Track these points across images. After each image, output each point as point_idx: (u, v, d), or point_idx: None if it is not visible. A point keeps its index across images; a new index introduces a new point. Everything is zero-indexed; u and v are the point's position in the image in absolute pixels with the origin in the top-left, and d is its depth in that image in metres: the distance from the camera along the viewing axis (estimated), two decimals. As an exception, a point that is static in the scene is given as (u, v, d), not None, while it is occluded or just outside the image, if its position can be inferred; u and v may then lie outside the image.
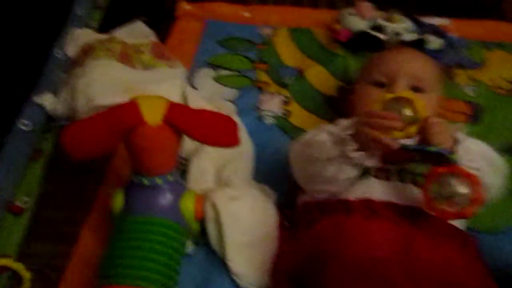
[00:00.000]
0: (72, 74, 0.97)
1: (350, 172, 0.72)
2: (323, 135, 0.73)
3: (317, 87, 1.05)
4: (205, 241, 0.80)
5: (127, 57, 1.02)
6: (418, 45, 1.09)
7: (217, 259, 0.79)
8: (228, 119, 0.77)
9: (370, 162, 0.71)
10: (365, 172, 0.74)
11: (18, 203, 0.86)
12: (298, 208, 0.82)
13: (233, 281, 0.77)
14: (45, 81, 1.00)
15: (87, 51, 1.01)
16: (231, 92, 1.04)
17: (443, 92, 0.91)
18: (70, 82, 0.96)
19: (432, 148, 0.68)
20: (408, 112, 0.70)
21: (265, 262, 0.76)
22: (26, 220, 0.85)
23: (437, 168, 0.67)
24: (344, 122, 0.74)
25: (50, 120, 0.96)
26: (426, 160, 0.70)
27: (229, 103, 1.00)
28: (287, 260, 0.74)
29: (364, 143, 0.69)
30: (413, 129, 0.69)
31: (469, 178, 0.65)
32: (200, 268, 0.78)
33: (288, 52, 1.13)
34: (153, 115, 0.71)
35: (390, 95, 0.73)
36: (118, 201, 0.78)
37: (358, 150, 0.69)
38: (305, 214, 0.78)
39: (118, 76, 0.93)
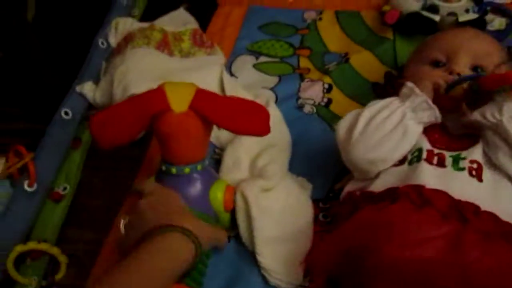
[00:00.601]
0: (111, 63, 0.98)
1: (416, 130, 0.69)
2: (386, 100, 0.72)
3: (362, 73, 0.98)
4: (235, 234, 0.78)
5: (166, 45, 1.02)
6: (478, 25, 0.99)
7: (247, 253, 0.76)
8: (258, 106, 0.73)
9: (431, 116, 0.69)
10: (418, 156, 0.68)
11: (58, 190, 0.88)
12: (339, 200, 0.76)
13: (263, 276, 0.73)
14: (87, 71, 1.01)
15: (128, 40, 1.02)
16: (271, 80, 1.00)
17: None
18: (109, 71, 0.97)
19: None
20: None
21: (296, 258, 0.71)
22: (65, 207, 0.87)
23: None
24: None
25: (90, 109, 0.98)
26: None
27: (268, 91, 0.97)
28: (322, 256, 0.68)
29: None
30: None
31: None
32: (229, 262, 0.75)
33: (332, 37, 1.07)
34: (179, 102, 0.69)
35: None
36: None
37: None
38: (346, 204, 0.72)
39: (155, 64, 0.92)
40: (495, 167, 0.67)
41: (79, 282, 0.78)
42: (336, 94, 0.96)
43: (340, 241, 0.65)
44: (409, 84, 0.72)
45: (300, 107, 0.95)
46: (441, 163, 0.67)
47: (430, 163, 0.67)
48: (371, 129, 0.70)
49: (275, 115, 0.90)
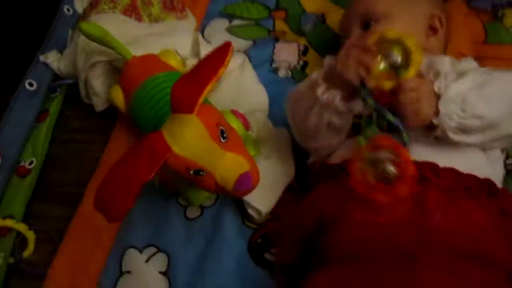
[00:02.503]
0: (76, 30, 0.93)
1: (334, 120, 0.62)
2: (303, 83, 0.65)
3: (339, 33, 0.94)
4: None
5: (134, 9, 0.96)
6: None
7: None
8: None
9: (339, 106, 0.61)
10: (370, 123, 0.64)
11: (24, 165, 0.85)
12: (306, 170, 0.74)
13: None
14: (52, 39, 0.97)
15: (93, 5, 0.96)
16: (245, 43, 0.96)
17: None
18: (74, 39, 0.92)
19: (390, 117, 0.57)
20: (397, 59, 0.56)
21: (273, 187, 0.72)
22: (32, 182, 0.84)
23: (380, 140, 0.55)
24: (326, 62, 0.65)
25: (55, 79, 0.94)
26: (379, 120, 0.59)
27: (241, 53, 0.92)
28: (292, 227, 0.67)
29: (333, 79, 0.60)
30: (388, 84, 0.57)
31: (405, 165, 0.53)
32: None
33: (310, -3, 1.02)
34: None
35: (390, 34, 0.58)
36: (118, 94, 0.77)
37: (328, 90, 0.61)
38: (310, 176, 0.70)
39: (121, 31, 0.87)
40: None
41: (48, 259, 0.76)
42: (312, 56, 0.92)
43: (305, 213, 0.64)
44: (327, 61, 0.67)
45: (275, 71, 0.91)
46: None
47: (383, 129, 0.62)
48: (296, 122, 0.69)
49: (251, 76, 0.87)
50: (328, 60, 0.66)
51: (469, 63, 0.69)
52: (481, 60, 0.73)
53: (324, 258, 0.58)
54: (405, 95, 0.56)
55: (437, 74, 0.60)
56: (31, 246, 0.78)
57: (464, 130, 0.58)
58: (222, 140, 0.56)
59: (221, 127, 0.56)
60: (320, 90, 0.62)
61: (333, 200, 0.60)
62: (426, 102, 0.57)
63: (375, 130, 0.58)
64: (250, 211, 0.71)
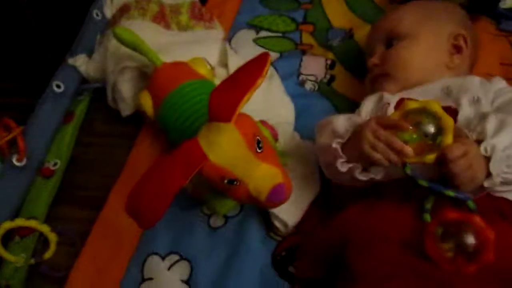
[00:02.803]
0: (105, 35, 0.94)
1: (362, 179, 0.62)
2: (326, 137, 0.66)
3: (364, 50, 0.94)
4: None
5: (163, 17, 0.97)
6: (489, 2, 0.94)
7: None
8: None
9: (365, 176, 0.61)
10: None
11: (48, 166, 0.85)
12: (332, 187, 0.74)
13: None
14: (81, 43, 0.97)
15: (123, 11, 0.97)
16: (272, 55, 0.95)
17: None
18: (103, 44, 0.93)
19: (449, 193, 0.55)
20: (430, 128, 0.55)
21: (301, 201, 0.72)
22: (56, 183, 0.84)
23: (447, 214, 0.53)
24: (355, 118, 0.66)
25: (83, 83, 0.94)
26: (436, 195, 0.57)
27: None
28: (319, 244, 0.67)
29: (354, 151, 0.60)
30: (431, 156, 0.55)
31: (482, 232, 0.52)
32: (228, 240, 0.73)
33: (337, 12, 1.02)
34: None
35: (413, 104, 0.58)
36: (146, 100, 0.77)
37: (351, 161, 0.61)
38: (335, 192, 0.71)
39: (150, 37, 0.87)
40: None
41: (69, 262, 0.76)
42: (339, 70, 0.92)
43: (333, 232, 0.63)
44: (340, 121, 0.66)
45: (301, 84, 0.91)
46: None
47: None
48: (323, 165, 0.70)
49: (279, 88, 0.87)
50: (342, 120, 0.67)
51: (499, 83, 0.70)
52: (509, 82, 0.72)
53: (351, 278, 0.57)
54: (455, 164, 0.54)
55: (480, 133, 0.58)
56: (52, 247, 0.77)
57: (506, 183, 0.57)
58: (258, 150, 0.56)
59: (258, 137, 0.56)
60: (339, 163, 0.62)
61: (364, 222, 0.59)
62: (477, 166, 0.55)
63: (432, 199, 0.57)
64: (276, 223, 0.71)
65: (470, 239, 0.51)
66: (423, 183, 0.56)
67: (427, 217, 0.55)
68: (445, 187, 0.55)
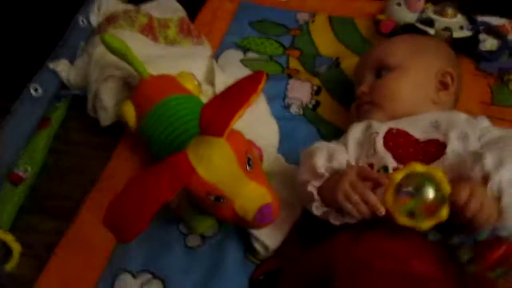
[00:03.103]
0: (91, 43, 0.92)
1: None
2: (305, 173, 0.65)
3: (352, 78, 0.95)
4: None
5: (151, 30, 0.96)
6: (471, 43, 0.98)
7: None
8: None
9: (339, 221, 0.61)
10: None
11: (18, 172, 0.81)
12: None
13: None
14: (64, 48, 0.95)
15: (110, 20, 0.96)
16: (258, 77, 0.96)
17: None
18: (87, 51, 0.90)
19: (484, 234, 0.54)
20: (431, 192, 0.55)
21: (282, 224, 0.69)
22: (24, 191, 0.80)
23: (493, 254, 0.53)
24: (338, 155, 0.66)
25: (62, 89, 0.91)
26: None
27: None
28: (302, 271, 0.65)
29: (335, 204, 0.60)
30: (444, 211, 0.55)
31: None
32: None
33: (324, 40, 1.04)
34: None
35: (399, 175, 0.56)
36: (130, 110, 0.75)
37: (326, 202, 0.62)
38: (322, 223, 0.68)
39: (137, 48, 0.86)
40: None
41: (34, 275, 0.71)
42: (324, 97, 0.92)
43: (315, 261, 0.62)
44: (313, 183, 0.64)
45: (287, 106, 0.91)
46: None
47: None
48: (300, 202, 0.70)
49: (265, 109, 0.86)
50: (323, 160, 0.66)
51: (483, 122, 0.71)
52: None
53: None
54: (468, 208, 0.54)
55: (482, 170, 0.58)
56: (15, 258, 0.73)
57: None
58: (248, 168, 0.54)
59: (249, 155, 0.55)
60: (314, 206, 0.62)
61: (353, 251, 0.58)
62: (488, 204, 0.55)
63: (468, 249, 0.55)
64: (257, 246, 0.69)
65: None
66: (456, 240, 0.55)
67: (471, 268, 0.54)
68: (474, 234, 0.54)
